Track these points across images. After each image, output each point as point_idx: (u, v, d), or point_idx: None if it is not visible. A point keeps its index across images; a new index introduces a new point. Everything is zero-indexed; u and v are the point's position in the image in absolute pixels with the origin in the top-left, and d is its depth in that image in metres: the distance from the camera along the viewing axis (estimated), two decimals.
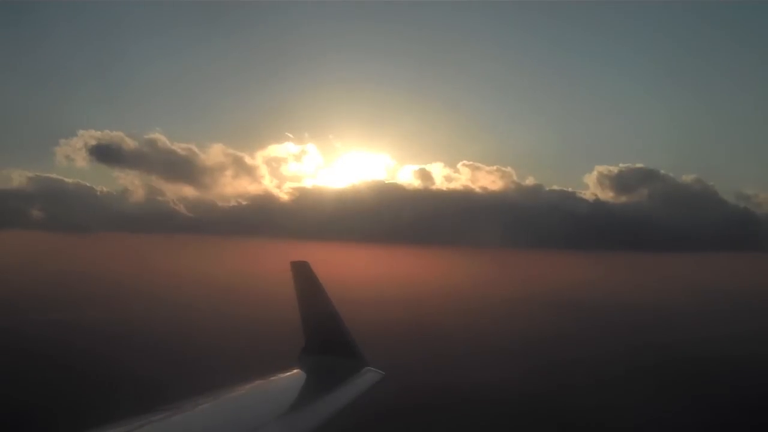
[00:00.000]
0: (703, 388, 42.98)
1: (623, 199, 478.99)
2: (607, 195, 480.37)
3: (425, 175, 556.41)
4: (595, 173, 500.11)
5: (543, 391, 40.63)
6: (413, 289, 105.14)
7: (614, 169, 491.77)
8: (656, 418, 37.07)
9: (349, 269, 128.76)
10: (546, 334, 62.56)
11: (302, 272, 15.13)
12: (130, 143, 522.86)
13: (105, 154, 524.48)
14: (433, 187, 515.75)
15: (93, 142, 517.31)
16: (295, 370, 13.95)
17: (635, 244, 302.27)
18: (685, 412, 38.16)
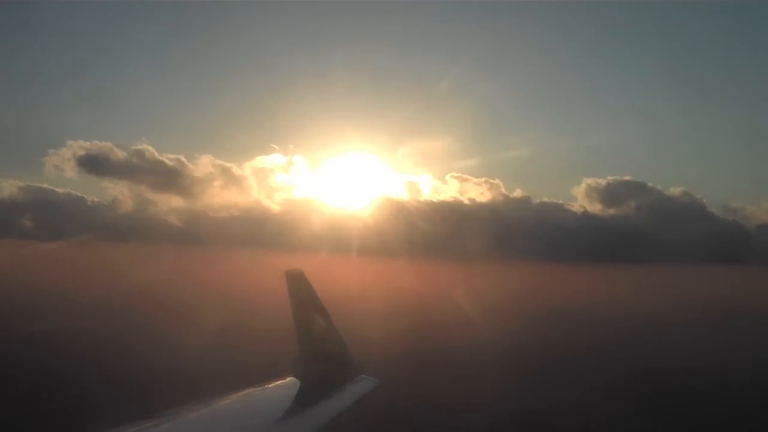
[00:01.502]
0: (687, 407, 43.12)
1: (611, 211, 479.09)
2: (595, 207, 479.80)
3: (413, 187, 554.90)
4: (583, 185, 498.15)
5: (535, 409, 40.34)
6: (403, 301, 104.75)
7: (602, 182, 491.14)
8: None
9: (339, 280, 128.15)
10: (534, 349, 62.37)
11: (297, 280, 15.25)
12: (118, 154, 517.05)
13: (94, 164, 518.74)
14: (422, 199, 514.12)
15: (81, 153, 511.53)
16: (288, 378, 14.00)
17: (624, 256, 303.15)
18: None
